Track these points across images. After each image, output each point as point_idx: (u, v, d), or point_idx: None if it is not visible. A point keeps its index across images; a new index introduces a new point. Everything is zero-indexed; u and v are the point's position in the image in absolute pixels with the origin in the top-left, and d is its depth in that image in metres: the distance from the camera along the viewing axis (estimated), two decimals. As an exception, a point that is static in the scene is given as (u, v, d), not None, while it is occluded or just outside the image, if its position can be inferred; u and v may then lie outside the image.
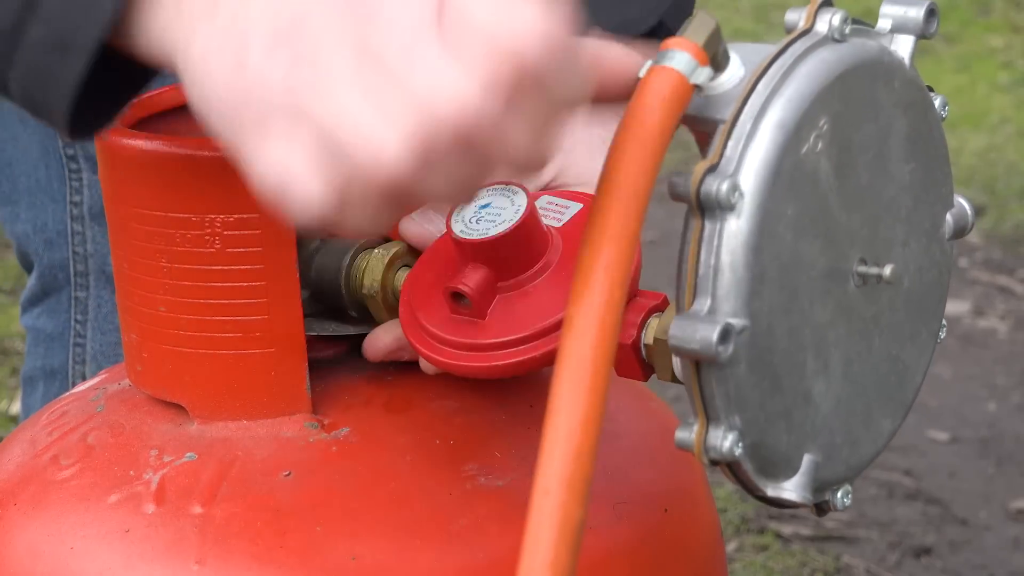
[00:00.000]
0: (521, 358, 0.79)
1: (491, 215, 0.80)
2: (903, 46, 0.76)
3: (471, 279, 0.80)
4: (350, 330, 0.89)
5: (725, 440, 0.69)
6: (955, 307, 2.80)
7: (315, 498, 0.80)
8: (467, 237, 0.80)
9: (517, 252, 0.80)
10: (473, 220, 0.80)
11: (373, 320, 0.88)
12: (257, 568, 0.78)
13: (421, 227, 0.86)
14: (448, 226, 0.81)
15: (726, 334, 0.68)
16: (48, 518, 0.83)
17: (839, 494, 0.75)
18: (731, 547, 2.22)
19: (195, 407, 0.84)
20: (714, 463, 0.71)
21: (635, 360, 0.80)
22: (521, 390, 0.88)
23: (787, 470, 0.72)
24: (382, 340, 0.86)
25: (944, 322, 0.81)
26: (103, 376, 0.94)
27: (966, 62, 3.91)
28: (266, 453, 0.83)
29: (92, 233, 1.21)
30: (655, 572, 0.85)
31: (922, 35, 0.76)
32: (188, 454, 0.83)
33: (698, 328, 0.68)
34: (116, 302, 1.21)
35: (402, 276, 0.86)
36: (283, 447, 0.83)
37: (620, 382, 0.94)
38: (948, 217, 0.80)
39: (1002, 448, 2.43)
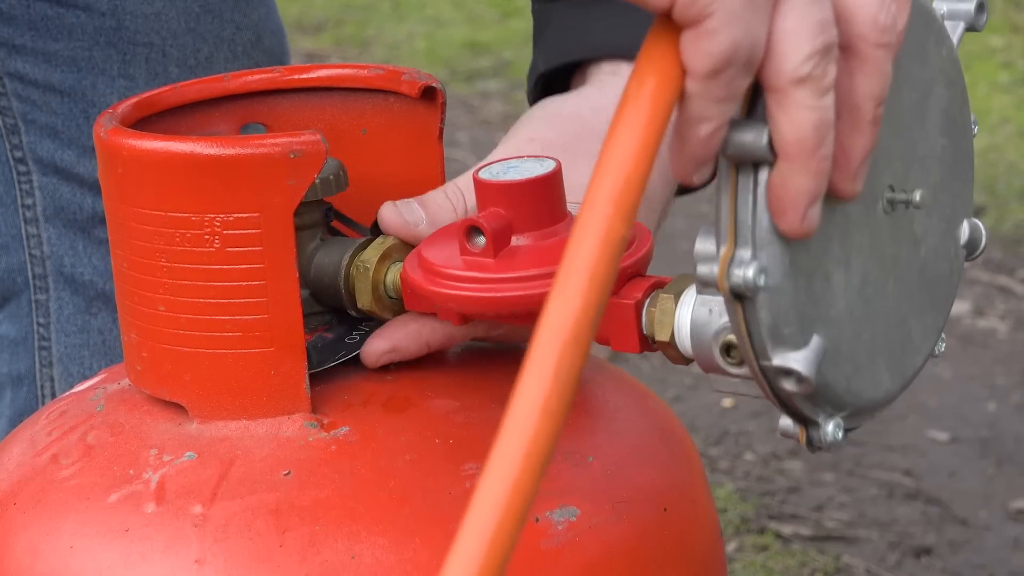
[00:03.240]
0: (528, 292, 0.80)
1: (519, 171, 0.83)
2: (952, 32, 0.79)
3: (489, 216, 0.82)
4: (355, 349, 0.89)
5: (750, 267, 0.69)
6: (955, 307, 2.80)
7: (315, 497, 0.80)
8: (492, 179, 0.82)
9: (536, 205, 0.82)
10: (500, 173, 0.83)
11: (373, 319, 0.89)
12: (257, 567, 0.79)
13: (399, 215, 0.87)
14: (474, 176, 0.83)
15: (772, 141, 0.69)
16: (48, 517, 0.83)
17: (831, 425, 0.75)
18: (731, 547, 2.22)
19: (195, 406, 0.85)
20: (735, 293, 0.70)
21: (634, 325, 0.80)
22: (521, 389, 0.88)
23: (797, 340, 0.72)
24: (375, 344, 0.87)
25: (943, 336, 0.82)
26: (102, 376, 0.95)
27: (966, 62, 3.90)
28: (266, 452, 0.83)
29: (48, 235, 1.21)
30: (654, 571, 0.85)
31: (972, 26, 0.79)
32: (188, 453, 0.83)
33: (748, 129, 0.69)
34: (84, 304, 1.21)
35: (395, 270, 0.86)
36: (283, 446, 0.83)
37: (619, 383, 0.94)
38: (966, 225, 0.81)
39: (1002, 448, 2.43)
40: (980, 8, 0.80)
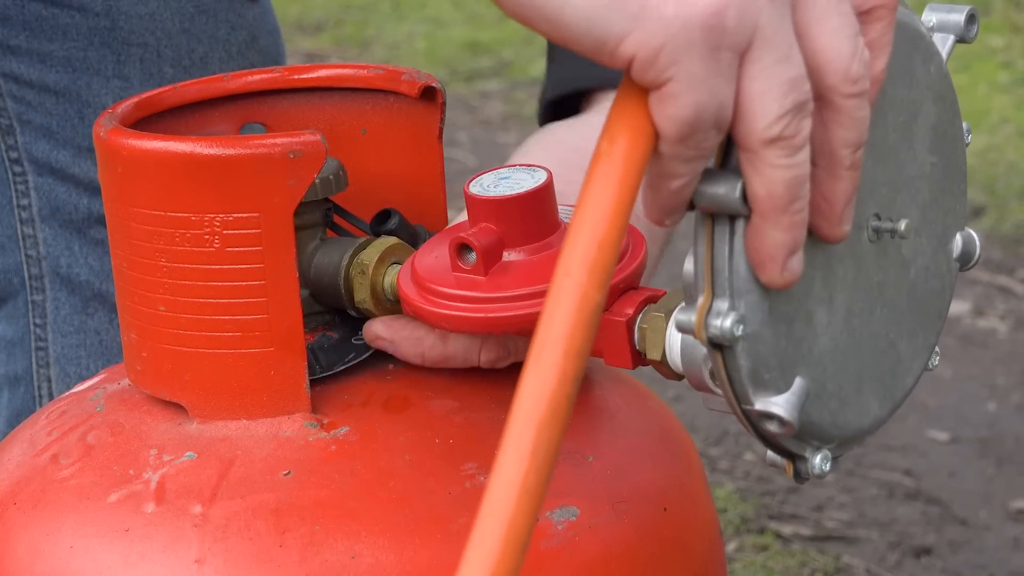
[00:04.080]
0: (518, 312, 0.79)
1: (509, 184, 0.82)
2: (942, 45, 0.78)
3: (479, 233, 0.81)
4: (364, 352, 0.89)
5: (727, 317, 0.69)
6: (955, 307, 2.80)
7: (314, 497, 0.80)
8: (482, 195, 0.81)
9: (527, 220, 0.81)
10: (491, 186, 0.82)
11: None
12: (257, 567, 0.79)
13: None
14: (465, 189, 0.82)
15: (746, 194, 0.68)
16: (48, 517, 0.83)
17: (818, 458, 0.75)
18: (731, 547, 2.22)
19: (194, 406, 0.85)
20: (713, 343, 0.70)
21: (626, 341, 0.80)
22: (520, 389, 0.88)
23: (779, 384, 0.71)
24: (377, 328, 0.87)
25: (937, 349, 0.82)
26: (102, 376, 0.95)
27: (966, 62, 3.91)
28: (265, 452, 0.83)
29: (44, 235, 1.21)
30: (654, 571, 0.85)
31: (962, 38, 0.78)
32: (188, 453, 0.83)
33: (721, 182, 0.68)
34: (81, 304, 1.22)
35: (393, 272, 0.86)
36: (282, 446, 0.83)
37: (619, 383, 0.94)
38: (959, 238, 0.80)
39: (1002, 448, 2.43)
40: (971, 20, 0.78)
